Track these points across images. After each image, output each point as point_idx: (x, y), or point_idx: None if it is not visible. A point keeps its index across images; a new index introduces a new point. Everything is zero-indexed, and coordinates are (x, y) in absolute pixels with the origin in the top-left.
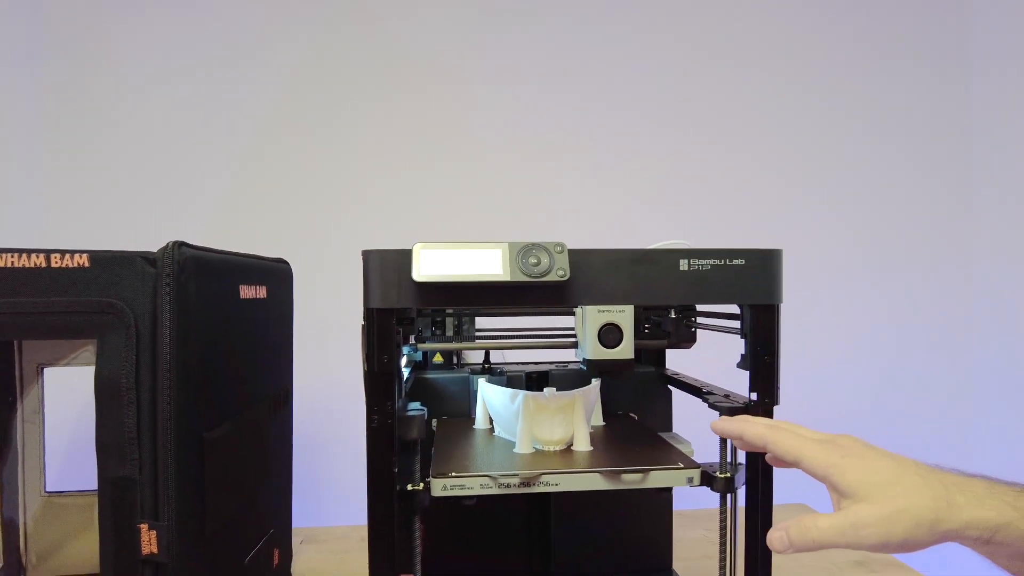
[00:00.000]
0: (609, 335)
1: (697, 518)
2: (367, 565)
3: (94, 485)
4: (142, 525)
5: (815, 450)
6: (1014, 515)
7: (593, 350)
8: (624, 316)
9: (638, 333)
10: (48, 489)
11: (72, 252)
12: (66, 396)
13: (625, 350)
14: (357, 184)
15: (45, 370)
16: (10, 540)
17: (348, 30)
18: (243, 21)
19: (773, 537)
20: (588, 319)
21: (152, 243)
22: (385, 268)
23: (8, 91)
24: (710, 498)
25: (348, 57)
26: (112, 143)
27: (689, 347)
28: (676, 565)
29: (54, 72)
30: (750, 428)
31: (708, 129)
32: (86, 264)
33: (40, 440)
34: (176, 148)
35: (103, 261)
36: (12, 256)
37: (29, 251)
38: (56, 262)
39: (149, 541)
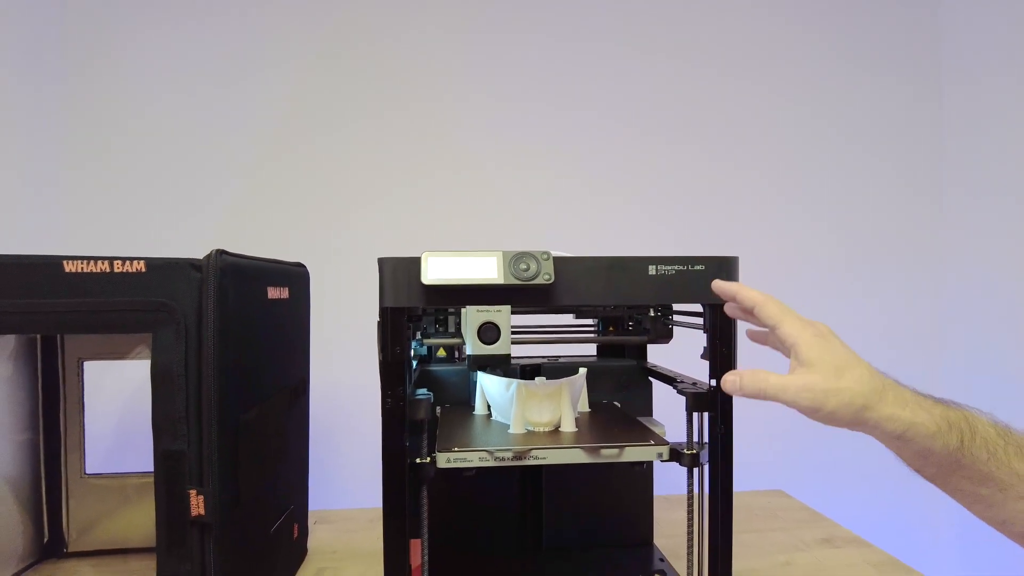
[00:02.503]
0: (488, 333)
1: (680, 502)
2: (374, 542)
3: (129, 468)
4: (191, 491)
5: (793, 321)
6: (926, 418)
7: (474, 346)
8: (501, 316)
9: (623, 330)
10: (87, 471)
11: (131, 259)
12: (103, 388)
13: (502, 346)
14: (363, 192)
15: (84, 364)
16: (53, 517)
17: (349, 54)
18: (255, 36)
19: (727, 379)
20: (469, 319)
21: (169, 245)
22: (397, 273)
23: (34, 102)
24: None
25: (350, 76)
26: (137, 153)
27: (667, 342)
28: (659, 541)
29: (76, 84)
30: (744, 291)
31: (692, 137)
32: (143, 269)
33: (80, 426)
34: (195, 158)
35: (157, 267)
36: (81, 263)
37: (96, 258)
38: (118, 268)
39: (197, 505)
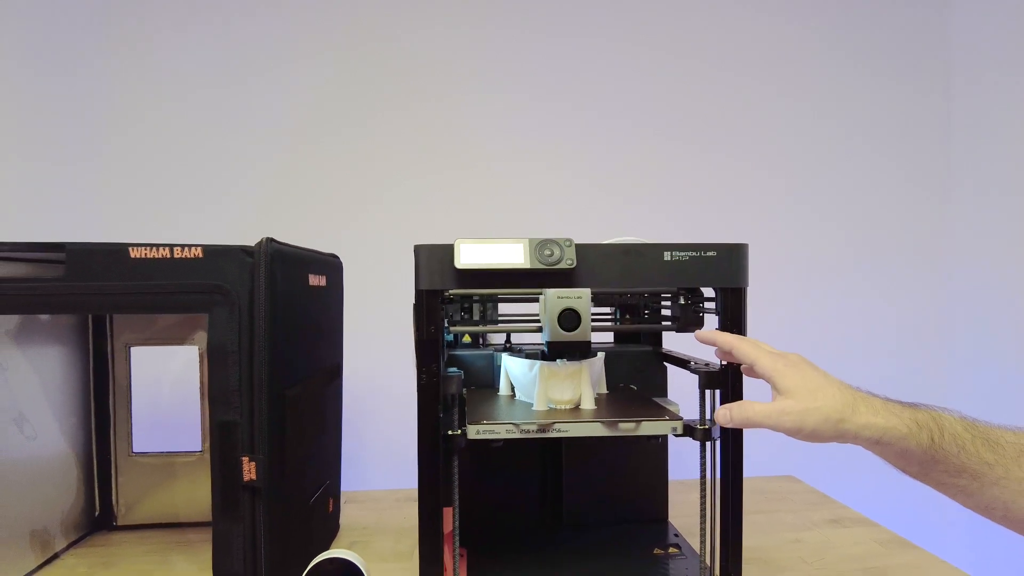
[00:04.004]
0: (569, 320)
1: (694, 485)
2: (403, 519)
3: (172, 448)
4: (244, 457)
5: (766, 357)
6: (897, 422)
7: (553, 333)
8: (582, 302)
9: (639, 318)
10: (135, 450)
11: (190, 245)
12: (149, 372)
13: (582, 333)
14: (373, 189)
15: (132, 349)
16: (104, 492)
17: (366, 55)
18: (272, 37)
19: (719, 413)
20: (549, 304)
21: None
22: (432, 258)
23: (78, 99)
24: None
25: (368, 78)
26: (173, 147)
27: (697, 330)
28: (674, 520)
29: (123, 83)
30: (721, 337)
31: (703, 136)
32: (200, 255)
33: (128, 408)
34: (222, 154)
35: (213, 252)
36: (145, 249)
37: (158, 245)
38: (178, 253)
39: (249, 470)
